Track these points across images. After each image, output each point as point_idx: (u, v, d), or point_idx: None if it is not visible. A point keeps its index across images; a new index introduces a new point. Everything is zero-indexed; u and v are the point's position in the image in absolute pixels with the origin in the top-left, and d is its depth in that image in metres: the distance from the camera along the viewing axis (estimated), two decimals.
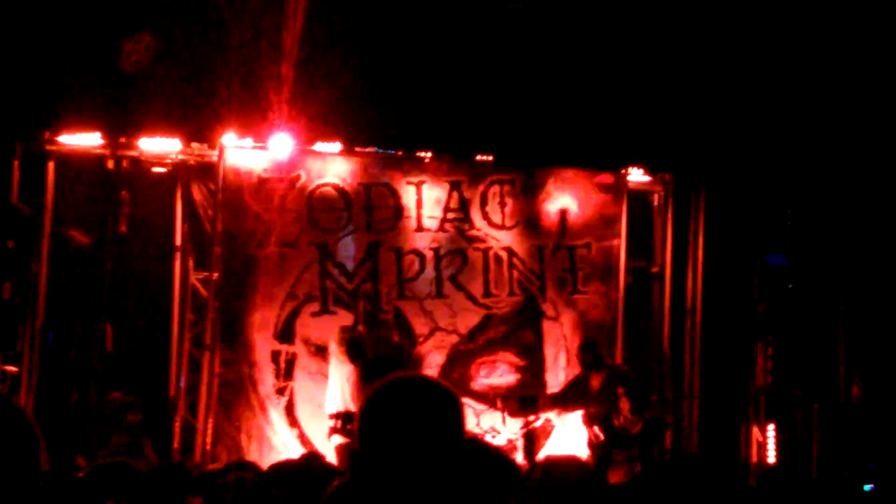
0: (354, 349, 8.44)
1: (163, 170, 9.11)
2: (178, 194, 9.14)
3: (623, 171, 9.70)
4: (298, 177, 9.09)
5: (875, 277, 9.50)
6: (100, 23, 8.88)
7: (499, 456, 3.61)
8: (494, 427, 9.25)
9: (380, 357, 8.54)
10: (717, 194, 9.75)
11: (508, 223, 9.50)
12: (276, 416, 8.94)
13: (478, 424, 9.21)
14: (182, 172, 9.12)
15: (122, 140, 8.93)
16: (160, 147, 8.97)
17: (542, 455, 8.78)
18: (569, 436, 9.18)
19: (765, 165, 9.67)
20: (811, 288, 9.21)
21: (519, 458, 8.72)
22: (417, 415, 2.43)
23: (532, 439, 9.19)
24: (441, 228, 9.33)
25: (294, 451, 8.54)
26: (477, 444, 3.72)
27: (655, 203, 9.95)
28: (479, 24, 8.99)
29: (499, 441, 9.00)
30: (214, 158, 8.92)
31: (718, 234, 9.74)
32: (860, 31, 8.81)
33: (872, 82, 9.29)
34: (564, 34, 9.34)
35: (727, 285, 9.66)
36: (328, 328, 9.06)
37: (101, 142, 8.87)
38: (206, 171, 9.06)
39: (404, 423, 2.42)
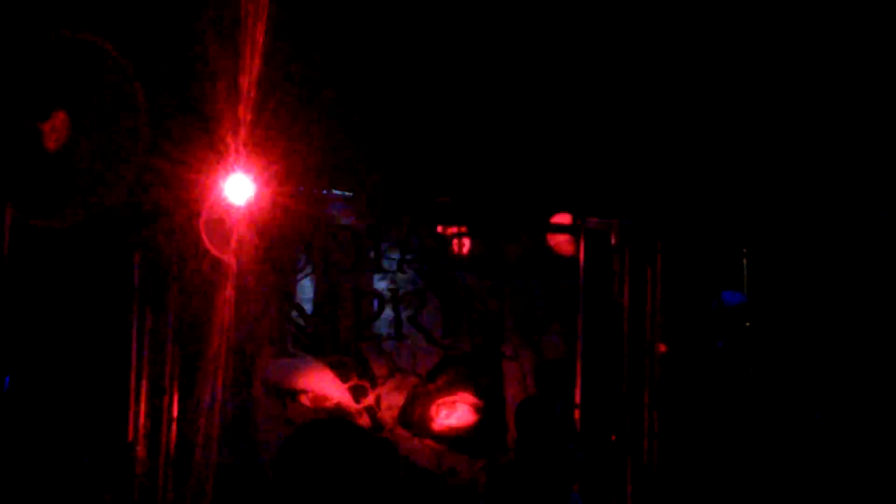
0: None
1: None
2: (135, 237, 9.10)
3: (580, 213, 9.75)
4: (257, 219, 9.08)
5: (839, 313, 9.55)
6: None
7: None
8: (456, 467, 9.22)
9: None
10: (674, 232, 9.80)
11: (468, 263, 9.53)
12: None
13: (438, 465, 9.21)
14: (138, 215, 9.08)
15: None
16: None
17: None
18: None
19: (722, 204, 9.73)
20: (769, 325, 9.25)
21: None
22: (332, 459, 2.43)
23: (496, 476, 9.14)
24: (400, 269, 9.35)
25: None
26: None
27: (613, 242, 10.00)
28: (444, 68, 9.01)
29: (459, 481, 9.00)
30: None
31: (675, 271, 9.77)
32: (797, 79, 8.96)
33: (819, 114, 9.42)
34: (524, 86, 9.38)
35: (685, 323, 9.69)
36: (287, 370, 9.07)
37: None
38: (162, 213, 9.02)
39: (318, 468, 2.42)
